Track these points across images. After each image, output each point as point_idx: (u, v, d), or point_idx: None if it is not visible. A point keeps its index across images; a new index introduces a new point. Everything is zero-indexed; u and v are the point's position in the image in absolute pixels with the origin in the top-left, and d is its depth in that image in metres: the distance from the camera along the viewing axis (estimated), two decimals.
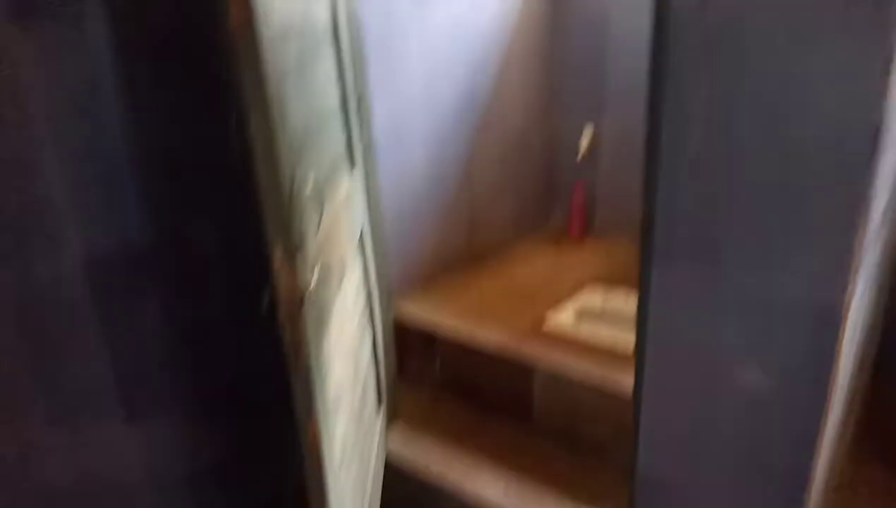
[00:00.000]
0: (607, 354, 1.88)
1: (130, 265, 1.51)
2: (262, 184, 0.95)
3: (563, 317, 2.15)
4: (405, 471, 1.86)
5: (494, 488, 1.72)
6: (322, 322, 1.18)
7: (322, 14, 1.39)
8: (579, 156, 2.77)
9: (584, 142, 2.74)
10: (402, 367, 2.18)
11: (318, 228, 1.21)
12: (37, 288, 1.36)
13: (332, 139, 1.46)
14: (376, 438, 1.84)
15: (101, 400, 1.51)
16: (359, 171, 1.73)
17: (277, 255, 0.98)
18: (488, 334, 2.03)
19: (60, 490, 1.48)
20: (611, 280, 2.40)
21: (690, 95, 1.09)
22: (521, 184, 2.78)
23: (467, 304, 2.26)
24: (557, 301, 2.26)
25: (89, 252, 1.42)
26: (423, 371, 2.21)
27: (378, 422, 1.90)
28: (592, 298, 2.28)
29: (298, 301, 1.01)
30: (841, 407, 1.41)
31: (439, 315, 2.18)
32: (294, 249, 1.01)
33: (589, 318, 2.19)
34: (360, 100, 1.74)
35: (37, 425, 1.42)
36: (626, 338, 1.90)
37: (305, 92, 1.20)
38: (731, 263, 1.14)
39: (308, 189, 1.12)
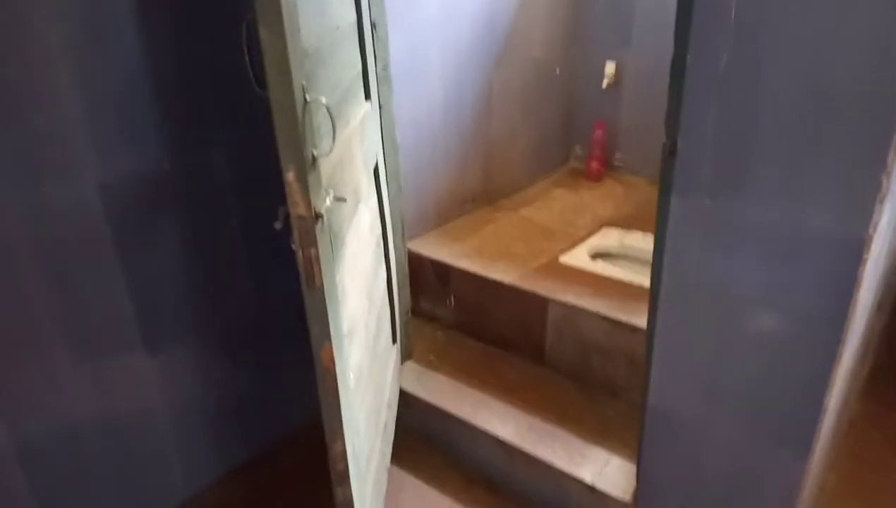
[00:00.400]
0: (622, 291, 1.87)
1: (146, 191, 1.52)
2: (274, 97, 0.93)
3: (579, 256, 2.13)
4: (419, 408, 1.89)
5: (505, 424, 1.75)
6: (336, 246, 1.17)
7: None
8: (604, 84, 2.68)
9: (609, 72, 2.65)
10: (416, 306, 2.19)
11: (331, 152, 1.19)
12: (53, 217, 1.37)
13: (347, 63, 1.42)
14: (391, 373, 1.87)
15: (122, 333, 1.54)
16: (374, 102, 1.70)
17: (289, 172, 0.97)
18: (502, 272, 2.03)
19: (85, 423, 1.53)
20: (629, 219, 2.37)
21: (719, 16, 1.04)
22: (541, 121, 2.72)
23: (482, 243, 2.25)
24: (574, 240, 2.24)
25: (105, 178, 1.42)
26: (438, 309, 2.22)
27: (393, 358, 1.92)
28: (609, 237, 2.26)
29: (312, 220, 1.00)
30: (856, 346, 1.40)
31: (454, 253, 2.17)
32: (306, 168, 0.99)
33: (605, 257, 2.17)
34: (376, 26, 1.69)
35: (60, 358, 1.45)
36: (641, 278, 1.89)
37: (319, 6, 1.16)
38: (753, 195, 1.11)
39: (321, 110, 1.10)
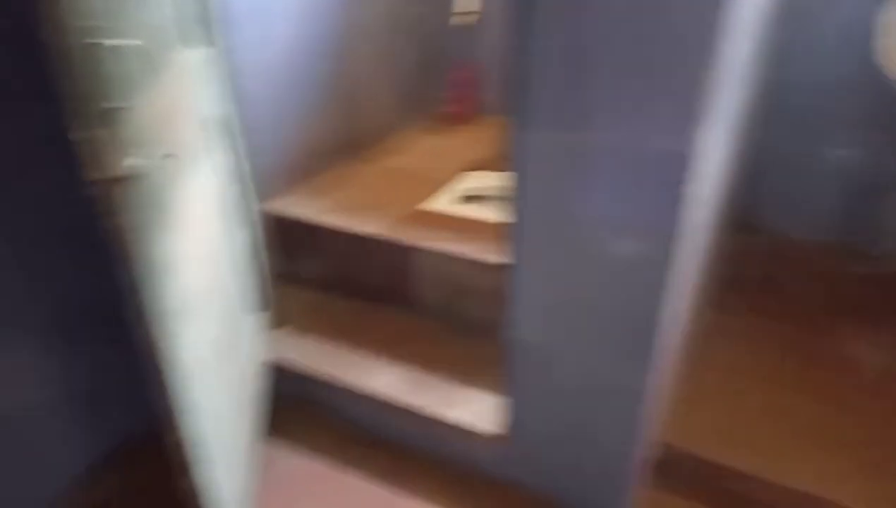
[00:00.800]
0: (489, 232, 1.87)
1: None
2: (52, 39, 0.79)
3: (447, 201, 2.11)
4: (294, 375, 1.81)
5: (380, 378, 1.73)
6: (158, 212, 1.05)
7: None
8: (460, 22, 2.61)
9: (470, 8, 2.59)
10: (285, 268, 2.09)
11: (145, 104, 1.05)
12: None
13: (164, 3, 1.26)
14: (255, 343, 1.77)
15: None
16: (206, 49, 1.54)
17: (78, 127, 0.84)
18: (370, 224, 1.97)
19: None
20: (496, 160, 2.37)
21: None
22: (403, 65, 2.63)
23: (349, 196, 2.17)
24: (441, 185, 2.21)
25: None
26: (308, 270, 2.13)
27: (258, 327, 1.83)
28: (475, 180, 2.25)
29: (113, 183, 0.88)
30: (694, 259, 1.49)
31: (320, 209, 2.07)
32: (100, 122, 0.86)
33: (474, 200, 2.16)
34: None
35: None
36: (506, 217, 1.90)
37: None
38: (596, 123, 1.12)
39: (120, 58, 0.96)
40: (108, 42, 0.91)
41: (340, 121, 2.37)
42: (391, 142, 2.60)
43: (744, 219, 2.57)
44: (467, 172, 2.31)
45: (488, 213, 2.01)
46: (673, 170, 1.08)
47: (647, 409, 1.32)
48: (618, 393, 1.32)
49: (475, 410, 1.60)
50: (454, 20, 2.61)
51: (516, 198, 1.27)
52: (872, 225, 2.48)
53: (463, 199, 2.15)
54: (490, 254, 1.74)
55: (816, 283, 2.40)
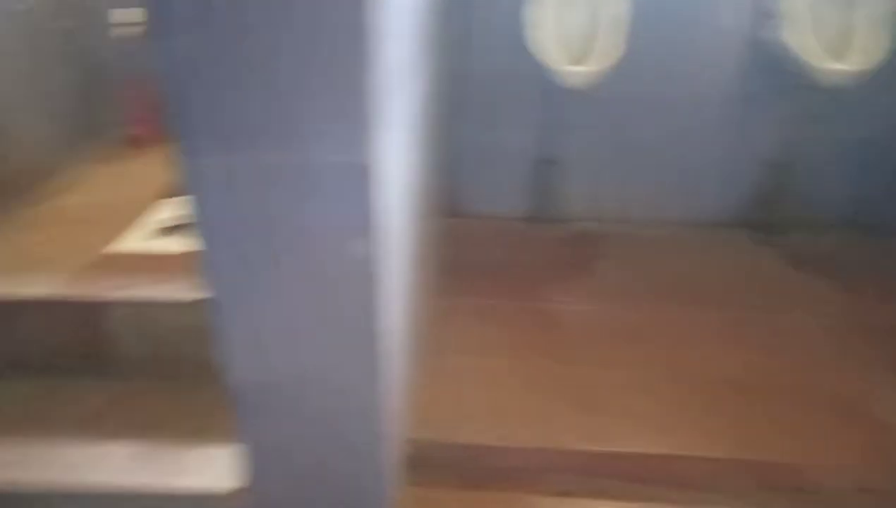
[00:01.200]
0: (191, 265, 1.67)
1: None
2: None
3: (138, 239, 1.84)
4: None
5: (99, 464, 1.43)
6: None
7: None
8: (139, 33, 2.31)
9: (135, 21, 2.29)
10: None
11: None
12: None
13: None
14: None
15: None
16: None
17: None
18: (39, 283, 1.61)
19: None
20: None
21: None
22: (60, 87, 2.22)
23: (5, 252, 1.76)
24: (130, 219, 1.92)
25: None
26: None
27: None
28: (172, 208, 2.01)
29: None
30: (407, 254, 1.52)
31: None
32: None
33: (170, 231, 1.92)
34: None
35: None
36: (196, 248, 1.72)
37: None
38: (266, 143, 1.05)
39: None
40: None
41: None
42: (61, 178, 2.19)
43: (451, 205, 2.76)
44: (163, 200, 2.05)
45: (189, 244, 1.80)
46: (356, 179, 1.06)
47: (387, 415, 1.30)
48: (352, 408, 1.28)
49: (212, 470, 1.41)
50: (116, 33, 2.28)
51: (200, 226, 1.14)
52: (552, 194, 2.86)
53: (160, 232, 1.90)
54: (195, 291, 1.55)
55: (519, 253, 2.69)
